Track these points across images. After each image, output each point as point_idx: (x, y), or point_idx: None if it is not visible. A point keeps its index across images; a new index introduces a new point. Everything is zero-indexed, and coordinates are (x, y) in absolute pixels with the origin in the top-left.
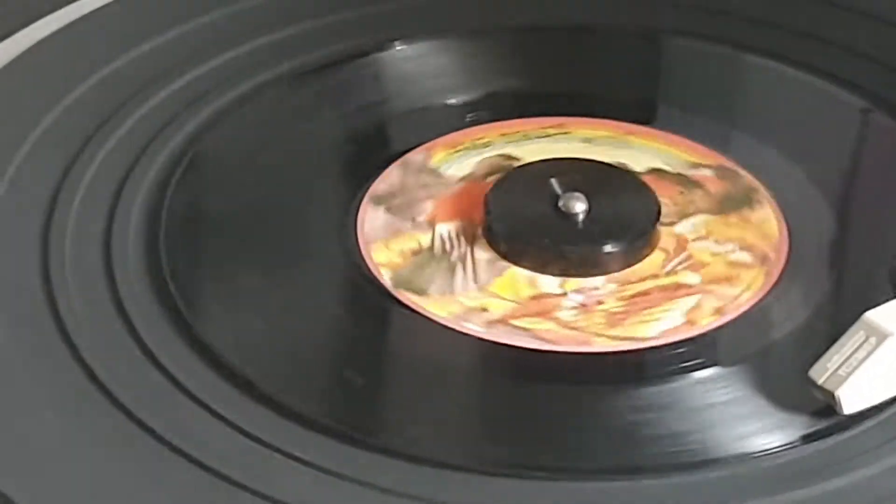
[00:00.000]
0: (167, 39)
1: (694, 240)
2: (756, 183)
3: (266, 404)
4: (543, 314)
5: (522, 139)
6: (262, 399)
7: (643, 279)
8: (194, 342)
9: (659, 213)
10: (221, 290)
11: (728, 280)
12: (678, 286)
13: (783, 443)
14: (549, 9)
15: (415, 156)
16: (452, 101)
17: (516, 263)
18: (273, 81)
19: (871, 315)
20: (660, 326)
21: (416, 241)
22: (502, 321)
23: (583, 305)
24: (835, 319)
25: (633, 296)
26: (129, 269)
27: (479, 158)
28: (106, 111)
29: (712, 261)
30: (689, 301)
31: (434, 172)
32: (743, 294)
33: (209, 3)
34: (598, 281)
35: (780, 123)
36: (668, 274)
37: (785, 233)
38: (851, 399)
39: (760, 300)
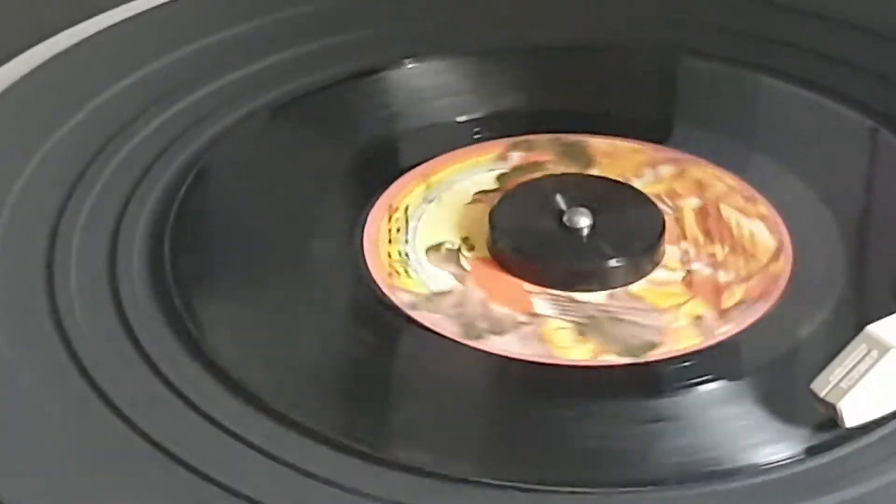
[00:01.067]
0: (174, 58)
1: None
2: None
3: (273, 417)
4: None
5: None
6: (268, 412)
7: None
8: (200, 356)
9: (664, 227)
10: (227, 305)
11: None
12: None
13: (787, 455)
14: (557, 28)
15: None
16: (462, 118)
17: (521, 278)
18: (283, 99)
19: (873, 328)
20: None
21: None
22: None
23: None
24: (840, 333)
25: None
26: (135, 286)
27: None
28: (111, 130)
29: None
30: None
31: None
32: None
33: (218, 23)
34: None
35: (786, 140)
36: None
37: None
38: (853, 412)
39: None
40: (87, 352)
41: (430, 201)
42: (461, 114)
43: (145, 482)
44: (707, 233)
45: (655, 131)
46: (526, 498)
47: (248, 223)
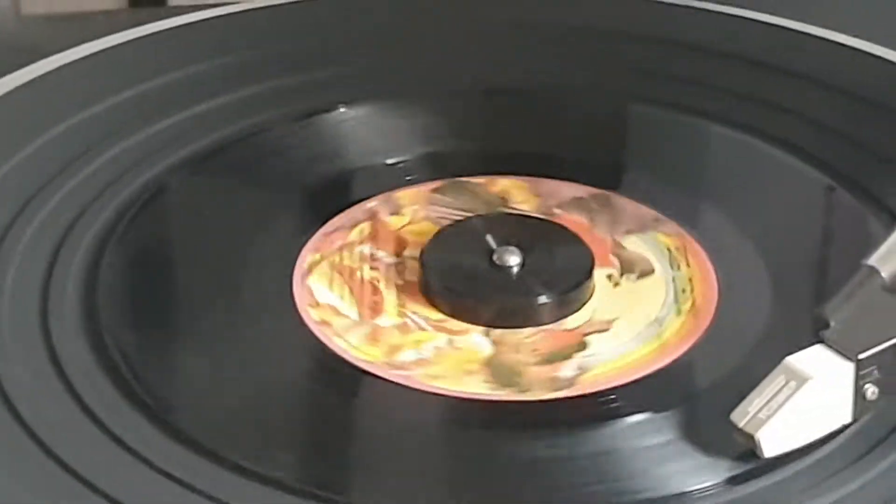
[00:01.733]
0: (112, 104)
1: None
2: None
3: (208, 458)
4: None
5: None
6: (204, 453)
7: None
8: (133, 398)
9: (593, 264)
10: (161, 342)
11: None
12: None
13: (709, 484)
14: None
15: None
16: (391, 160)
17: (453, 316)
18: (218, 143)
19: (792, 360)
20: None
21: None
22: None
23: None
24: (763, 367)
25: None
26: (67, 327)
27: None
28: (47, 174)
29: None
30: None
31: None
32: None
33: (158, 68)
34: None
35: (717, 183)
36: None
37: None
38: (771, 442)
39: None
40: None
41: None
42: (391, 156)
43: None
44: None
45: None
46: None
47: (182, 262)
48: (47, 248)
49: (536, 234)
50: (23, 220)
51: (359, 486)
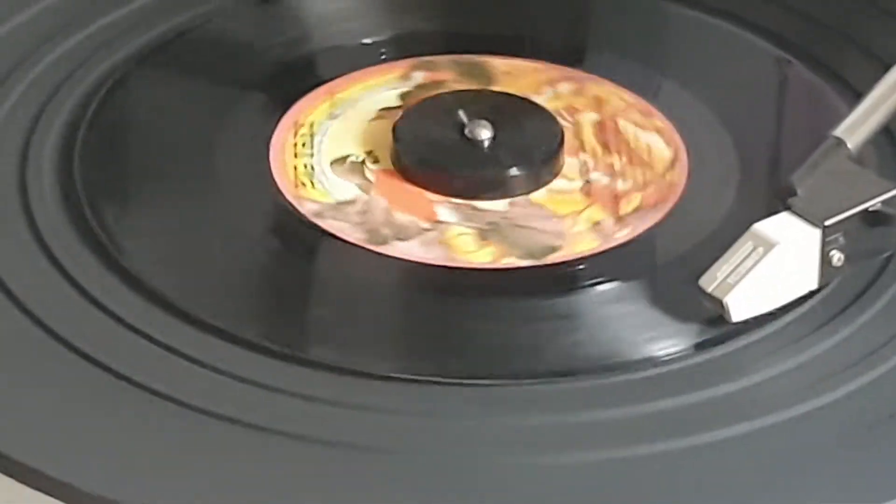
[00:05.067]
0: None
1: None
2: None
3: (181, 318)
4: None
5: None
6: (177, 314)
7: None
8: (112, 264)
9: (563, 138)
10: (138, 213)
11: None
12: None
13: (679, 349)
14: None
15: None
16: (367, 40)
17: (425, 188)
18: (194, 22)
19: (759, 226)
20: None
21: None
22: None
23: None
24: (730, 237)
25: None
26: (46, 200)
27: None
28: (21, 53)
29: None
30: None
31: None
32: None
33: None
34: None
35: (683, 60)
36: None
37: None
38: (739, 306)
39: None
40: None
41: (335, 117)
42: (366, 36)
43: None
44: (605, 145)
45: (558, 53)
46: (433, 391)
47: (157, 140)
48: (21, 129)
49: (507, 109)
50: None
51: (321, 344)
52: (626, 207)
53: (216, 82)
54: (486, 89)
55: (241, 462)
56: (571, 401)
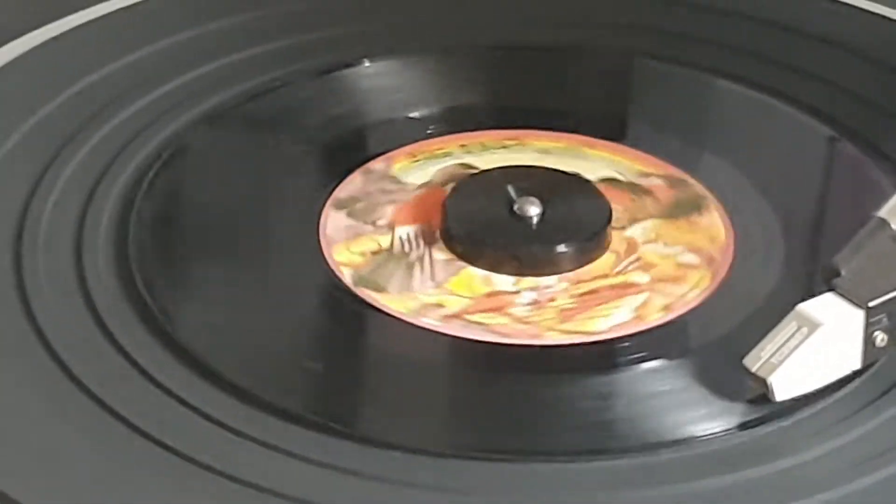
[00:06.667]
0: (141, 56)
1: (644, 243)
2: (704, 191)
3: (232, 393)
4: (497, 310)
5: (481, 150)
6: (228, 388)
7: (595, 278)
8: (163, 337)
9: (610, 216)
10: (189, 288)
11: (675, 280)
12: (628, 285)
13: (723, 429)
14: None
15: (376, 164)
16: (414, 114)
17: (472, 263)
18: (247, 95)
19: (804, 307)
20: (609, 322)
21: (376, 242)
22: (458, 316)
23: (536, 302)
24: (773, 316)
25: (585, 293)
26: (100, 271)
27: (438, 167)
28: (76, 124)
29: (661, 262)
30: (638, 299)
31: (395, 179)
32: (689, 293)
33: (183, 22)
34: (550, 280)
35: (729, 136)
36: (618, 273)
37: (731, 237)
38: (783, 386)
39: (706, 299)
40: (53, 332)
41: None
42: (414, 110)
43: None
44: None
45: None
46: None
47: (210, 213)
48: (79, 199)
49: (556, 186)
50: (52, 172)
51: (368, 419)
52: None
53: (268, 156)
54: (536, 166)
55: None
56: (609, 480)
